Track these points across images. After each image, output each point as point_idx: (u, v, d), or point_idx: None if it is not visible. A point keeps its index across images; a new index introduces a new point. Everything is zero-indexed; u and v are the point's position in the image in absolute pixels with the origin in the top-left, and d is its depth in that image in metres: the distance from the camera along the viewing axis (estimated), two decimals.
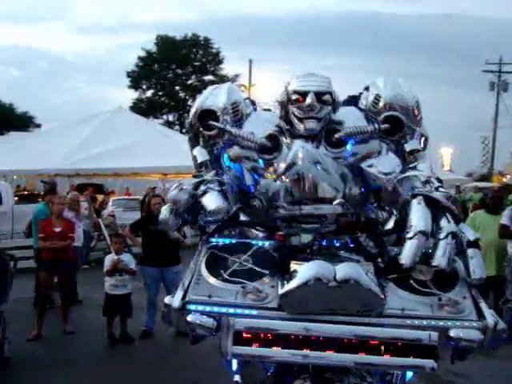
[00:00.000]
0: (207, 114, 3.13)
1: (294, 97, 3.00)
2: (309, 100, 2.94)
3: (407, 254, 2.52)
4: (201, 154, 3.18)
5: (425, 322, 2.42)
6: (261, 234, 2.99)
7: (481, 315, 2.44)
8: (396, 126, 3.05)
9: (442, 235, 2.58)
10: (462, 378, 5.30)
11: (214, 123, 3.09)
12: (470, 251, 2.58)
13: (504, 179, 36.74)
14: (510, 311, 6.50)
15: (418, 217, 2.61)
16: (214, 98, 3.18)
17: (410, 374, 3.01)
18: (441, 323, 2.41)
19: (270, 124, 3.14)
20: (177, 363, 5.85)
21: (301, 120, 3.00)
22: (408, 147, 3.08)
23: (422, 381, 5.01)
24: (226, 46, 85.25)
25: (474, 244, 2.62)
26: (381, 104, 3.06)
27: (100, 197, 17.00)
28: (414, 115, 3.10)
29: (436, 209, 2.68)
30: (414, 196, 2.72)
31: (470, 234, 2.65)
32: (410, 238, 2.55)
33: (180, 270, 6.59)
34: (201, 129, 3.17)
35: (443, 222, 2.63)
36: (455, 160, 42.39)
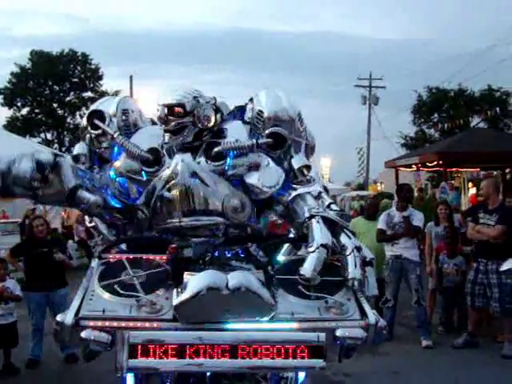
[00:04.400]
0: (96, 116, 3.19)
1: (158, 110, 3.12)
2: (158, 113, 3.07)
3: (308, 265, 2.66)
4: (79, 146, 3.23)
5: (313, 324, 2.55)
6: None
7: (364, 314, 2.62)
8: (280, 140, 3.12)
9: (347, 251, 2.74)
10: (350, 377, 5.56)
11: (98, 122, 3.14)
12: (365, 269, 2.77)
13: (379, 187, 38.93)
14: (390, 310, 6.94)
15: (319, 233, 2.77)
16: (106, 104, 3.27)
17: (301, 377, 3.15)
18: (328, 324, 2.56)
19: (158, 138, 3.18)
20: None
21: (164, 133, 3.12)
22: (296, 163, 3.15)
23: (314, 383, 5.23)
24: (106, 61, 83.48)
25: (369, 263, 2.82)
26: (264, 119, 3.12)
27: None
28: (297, 128, 3.20)
29: (332, 226, 2.85)
30: (312, 217, 2.87)
31: (367, 254, 2.84)
32: (312, 252, 2.69)
33: (67, 292, 6.35)
34: (88, 128, 3.20)
35: (344, 239, 2.81)
36: (333, 171, 44.45)
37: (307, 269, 2.65)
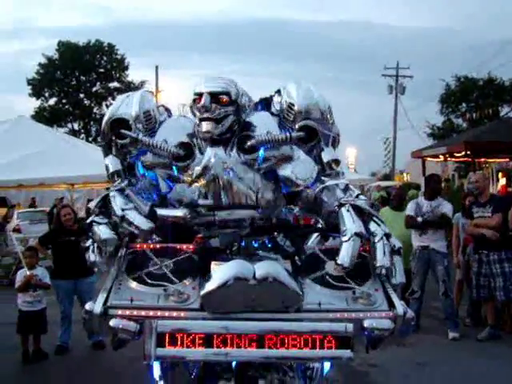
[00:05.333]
0: (120, 123, 3.08)
1: (194, 99, 3.03)
2: (202, 101, 2.95)
3: (346, 255, 2.61)
4: (113, 163, 3.14)
5: (341, 315, 2.53)
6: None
7: (391, 305, 2.59)
8: (310, 133, 3.08)
9: (377, 238, 2.71)
10: (375, 367, 5.55)
11: (125, 132, 3.05)
12: (393, 258, 2.71)
13: (405, 177, 38.58)
14: (416, 302, 6.88)
15: (351, 221, 2.72)
16: (126, 106, 3.13)
17: (327, 367, 3.14)
18: (355, 315, 2.54)
19: (184, 130, 3.14)
20: (94, 377, 5.71)
21: (200, 121, 3.01)
22: (325, 156, 3.12)
23: (340, 374, 5.23)
24: (132, 52, 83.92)
25: (397, 252, 2.77)
26: (295, 112, 3.07)
27: (3, 210, 16.25)
28: (327, 121, 3.15)
29: (362, 215, 2.80)
30: (341, 205, 2.83)
31: (395, 242, 2.79)
32: (347, 241, 2.65)
33: (94, 280, 6.44)
34: (113, 137, 3.12)
35: (373, 227, 2.77)
36: (359, 160, 44.18)
37: (345, 258, 2.61)
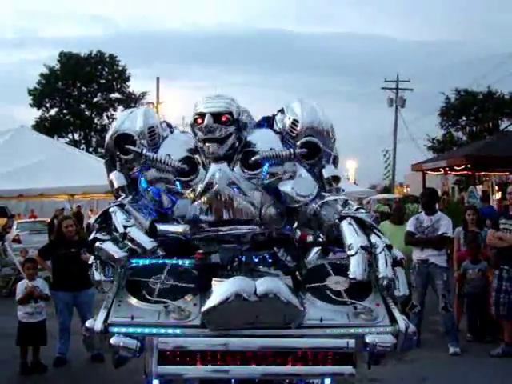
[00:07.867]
0: (124, 138, 3.12)
1: (194, 119, 3.07)
2: (205, 121, 2.98)
3: (357, 268, 2.62)
4: (117, 178, 3.16)
5: (342, 331, 2.53)
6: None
7: (393, 320, 2.58)
8: (313, 150, 3.15)
9: (378, 250, 2.71)
10: (375, 382, 5.50)
11: (130, 147, 3.09)
12: (396, 269, 2.73)
13: (405, 190, 38.57)
14: (416, 316, 6.84)
15: (354, 235, 2.74)
16: (130, 122, 3.18)
17: (327, 382, 3.13)
18: (357, 330, 2.53)
19: (186, 146, 3.17)
20: None
21: (204, 142, 3.05)
22: (326, 173, 3.19)
23: None
24: (133, 63, 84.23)
25: (399, 263, 2.78)
26: (298, 129, 3.13)
27: (2, 220, 16.22)
28: (329, 139, 3.22)
29: (362, 228, 2.81)
30: (342, 218, 2.84)
31: (397, 254, 2.81)
32: (354, 255, 2.66)
33: (94, 292, 6.40)
34: (117, 153, 3.15)
35: (374, 238, 2.77)
36: (359, 173, 44.21)
37: (356, 272, 2.61)
